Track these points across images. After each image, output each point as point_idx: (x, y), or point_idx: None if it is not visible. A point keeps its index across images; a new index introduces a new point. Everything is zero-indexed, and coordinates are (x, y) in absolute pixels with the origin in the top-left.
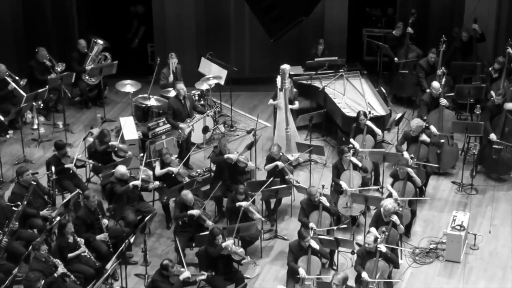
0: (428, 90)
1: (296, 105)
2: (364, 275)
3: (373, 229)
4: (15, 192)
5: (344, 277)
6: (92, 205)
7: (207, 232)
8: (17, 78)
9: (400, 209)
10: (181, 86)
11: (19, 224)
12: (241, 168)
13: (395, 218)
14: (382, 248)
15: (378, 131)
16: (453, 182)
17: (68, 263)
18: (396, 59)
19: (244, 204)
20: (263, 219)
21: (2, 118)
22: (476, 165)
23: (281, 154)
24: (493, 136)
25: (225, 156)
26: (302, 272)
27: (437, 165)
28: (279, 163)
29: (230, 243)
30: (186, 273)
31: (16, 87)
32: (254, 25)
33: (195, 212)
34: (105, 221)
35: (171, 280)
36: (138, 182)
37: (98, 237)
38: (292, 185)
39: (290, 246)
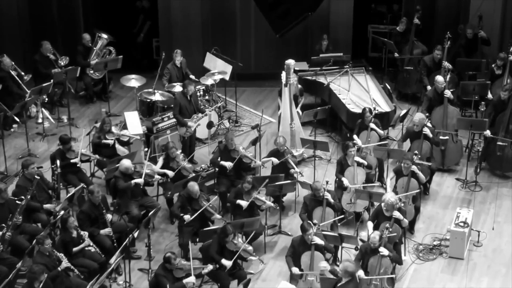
0: (428, 87)
1: (301, 101)
2: (360, 273)
3: (369, 224)
4: (20, 185)
5: (350, 271)
6: (96, 199)
7: (211, 227)
8: (22, 73)
9: (402, 204)
10: (191, 88)
11: (23, 218)
12: (245, 164)
13: (397, 214)
14: (384, 252)
15: (381, 133)
16: (457, 178)
17: (72, 258)
18: (396, 54)
19: (243, 203)
20: (273, 205)
21: (8, 110)
22: (480, 162)
23: (285, 147)
24: (487, 133)
25: (221, 163)
26: (295, 270)
27: (429, 164)
28: (274, 159)
29: (243, 245)
30: (191, 278)
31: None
32: (260, 20)
33: (186, 217)
34: (109, 216)
35: (174, 273)
36: (140, 180)
37: (102, 231)
38: (297, 180)
39: (293, 241)
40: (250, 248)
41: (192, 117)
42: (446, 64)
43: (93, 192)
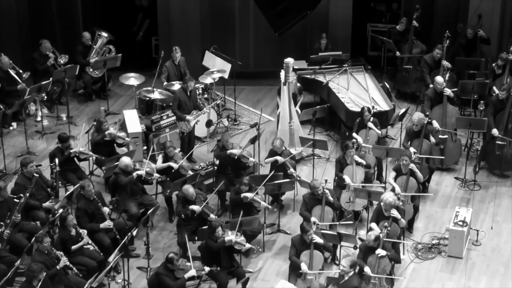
0: (431, 85)
1: (300, 99)
2: (367, 269)
3: (374, 225)
4: (19, 183)
5: (353, 260)
6: (89, 194)
7: None
8: (20, 71)
9: (401, 203)
10: (191, 84)
11: (22, 216)
12: (243, 163)
13: (395, 213)
14: (382, 253)
15: (378, 132)
16: (456, 177)
17: (71, 256)
18: (398, 53)
19: (249, 195)
20: (269, 207)
21: (3, 108)
22: (479, 161)
23: (283, 148)
24: (495, 132)
25: (228, 151)
26: (304, 267)
27: (442, 157)
28: (279, 158)
29: (232, 238)
30: (192, 271)
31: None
32: (259, 19)
33: (195, 208)
34: (105, 209)
35: (176, 274)
36: (142, 172)
37: (102, 225)
38: (295, 179)
39: (292, 240)
40: (241, 238)
41: (192, 113)
42: (445, 63)
43: (84, 187)
